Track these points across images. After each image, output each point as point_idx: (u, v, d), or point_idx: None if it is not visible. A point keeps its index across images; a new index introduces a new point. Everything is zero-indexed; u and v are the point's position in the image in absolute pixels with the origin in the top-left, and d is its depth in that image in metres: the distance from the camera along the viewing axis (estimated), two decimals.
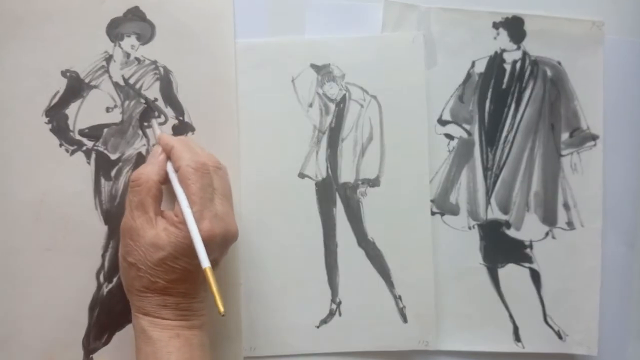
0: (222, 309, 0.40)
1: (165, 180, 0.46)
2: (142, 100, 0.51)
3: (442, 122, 0.54)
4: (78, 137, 0.50)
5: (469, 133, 0.55)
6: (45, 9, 0.50)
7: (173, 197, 0.46)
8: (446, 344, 0.54)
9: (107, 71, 0.50)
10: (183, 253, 0.43)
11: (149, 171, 0.45)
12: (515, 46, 0.55)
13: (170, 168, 0.46)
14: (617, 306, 0.57)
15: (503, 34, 0.54)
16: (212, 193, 0.45)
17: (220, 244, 0.44)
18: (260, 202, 0.52)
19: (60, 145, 0.50)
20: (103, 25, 0.50)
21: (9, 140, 0.49)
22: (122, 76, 0.51)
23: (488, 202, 0.55)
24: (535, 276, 0.55)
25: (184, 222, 0.43)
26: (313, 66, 0.53)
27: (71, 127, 0.50)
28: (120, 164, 0.51)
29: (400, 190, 0.53)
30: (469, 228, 0.55)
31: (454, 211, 0.55)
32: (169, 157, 0.46)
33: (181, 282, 0.44)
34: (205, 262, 0.41)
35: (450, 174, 0.55)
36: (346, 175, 0.53)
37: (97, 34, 0.50)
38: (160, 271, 0.43)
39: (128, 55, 0.51)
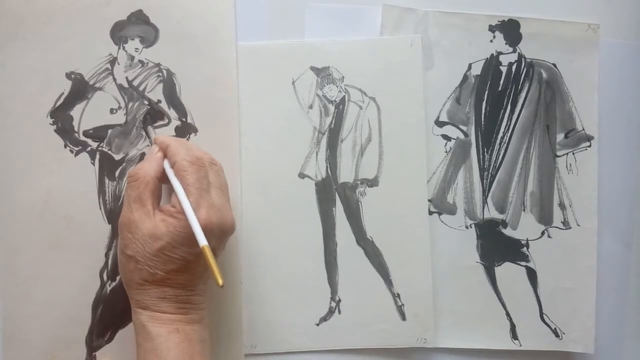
0: (220, 281, 0.40)
1: (162, 177, 0.46)
2: (146, 102, 0.52)
3: (440, 124, 0.55)
4: (83, 138, 0.51)
5: (466, 134, 0.55)
6: (48, 11, 0.50)
7: (170, 197, 0.47)
8: (444, 341, 0.54)
9: (112, 73, 0.51)
10: (181, 242, 0.44)
11: (147, 167, 0.46)
12: (511, 49, 0.55)
13: (167, 164, 0.46)
14: (613, 305, 0.57)
15: (499, 36, 0.55)
16: (208, 185, 0.45)
17: (217, 233, 0.45)
18: (261, 201, 0.53)
19: (65, 146, 0.51)
20: (107, 28, 0.51)
21: (14, 141, 0.50)
22: (126, 78, 0.52)
23: (485, 202, 0.55)
24: (532, 275, 0.55)
25: (181, 212, 0.43)
26: (313, 68, 0.54)
27: (76, 128, 0.51)
28: (124, 164, 0.52)
29: (399, 190, 0.54)
30: (466, 227, 0.55)
31: (451, 211, 0.55)
32: (165, 156, 0.47)
33: (180, 273, 0.45)
34: (202, 241, 0.42)
35: (447, 174, 0.55)
36: (345, 175, 0.54)
37: (101, 36, 0.51)
38: (159, 261, 0.44)
39: (132, 57, 0.51)
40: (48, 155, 0.51)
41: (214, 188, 0.46)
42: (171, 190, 0.46)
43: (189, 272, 0.45)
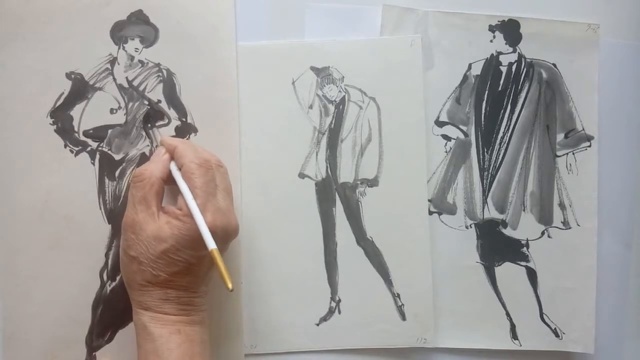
0: (230, 285, 0.40)
1: (168, 179, 0.46)
2: (146, 102, 0.52)
3: (440, 124, 0.55)
4: (83, 138, 0.51)
5: (466, 134, 0.55)
6: (48, 11, 0.50)
7: (173, 198, 0.47)
8: (444, 341, 0.54)
9: (112, 73, 0.51)
10: (185, 245, 0.44)
11: (153, 168, 0.46)
12: (511, 49, 0.55)
13: (173, 166, 0.46)
14: (613, 305, 0.57)
15: (499, 36, 0.55)
16: (215, 188, 0.45)
17: (222, 237, 0.45)
18: (261, 201, 0.53)
19: (65, 146, 0.51)
20: (107, 28, 0.51)
21: (14, 141, 0.50)
22: (126, 78, 0.52)
23: (485, 202, 0.56)
24: (532, 275, 0.55)
25: (187, 215, 0.43)
26: (313, 68, 0.54)
27: (76, 128, 0.51)
28: (124, 164, 0.52)
29: (399, 190, 0.54)
30: (466, 227, 0.55)
31: (451, 211, 0.55)
32: (172, 157, 0.47)
33: (183, 275, 0.45)
34: (211, 244, 0.42)
35: (447, 174, 0.55)
36: (345, 175, 0.54)
37: (101, 36, 0.51)
38: (162, 264, 0.44)
39: (132, 57, 0.52)
40: (48, 155, 0.51)
41: (220, 191, 0.46)
42: (173, 191, 0.46)
43: (191, 275, 0.45)
